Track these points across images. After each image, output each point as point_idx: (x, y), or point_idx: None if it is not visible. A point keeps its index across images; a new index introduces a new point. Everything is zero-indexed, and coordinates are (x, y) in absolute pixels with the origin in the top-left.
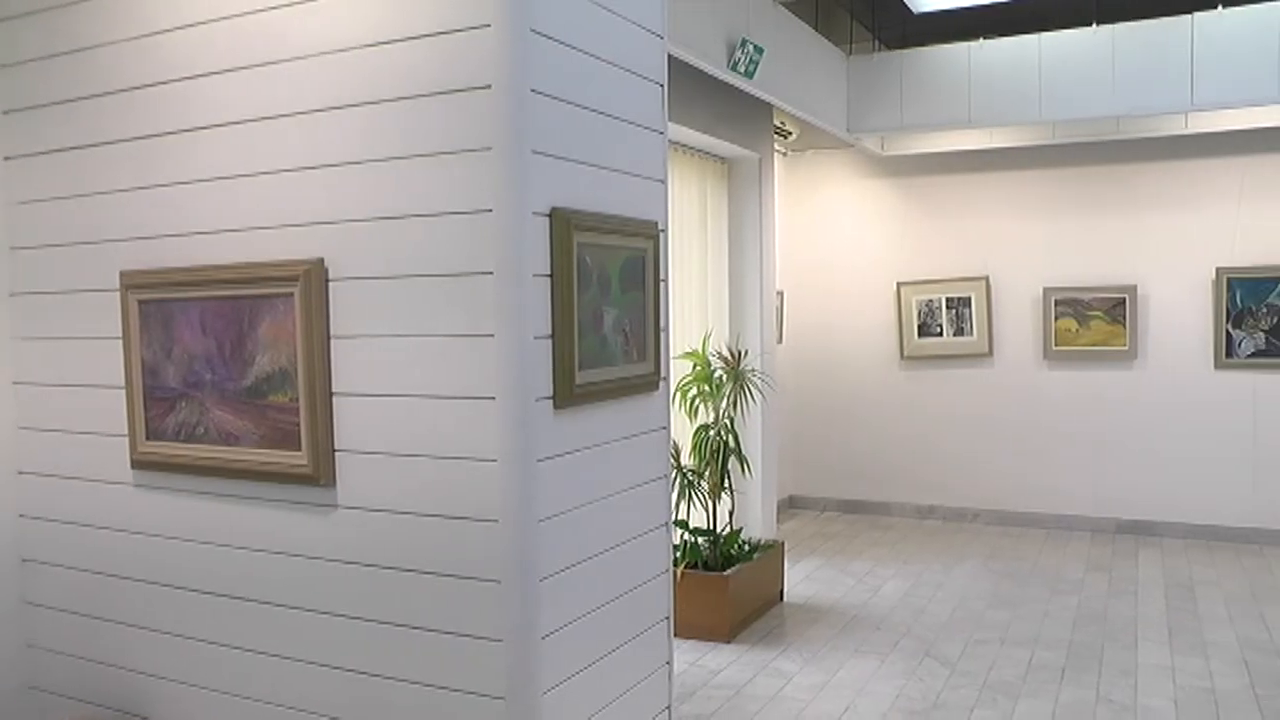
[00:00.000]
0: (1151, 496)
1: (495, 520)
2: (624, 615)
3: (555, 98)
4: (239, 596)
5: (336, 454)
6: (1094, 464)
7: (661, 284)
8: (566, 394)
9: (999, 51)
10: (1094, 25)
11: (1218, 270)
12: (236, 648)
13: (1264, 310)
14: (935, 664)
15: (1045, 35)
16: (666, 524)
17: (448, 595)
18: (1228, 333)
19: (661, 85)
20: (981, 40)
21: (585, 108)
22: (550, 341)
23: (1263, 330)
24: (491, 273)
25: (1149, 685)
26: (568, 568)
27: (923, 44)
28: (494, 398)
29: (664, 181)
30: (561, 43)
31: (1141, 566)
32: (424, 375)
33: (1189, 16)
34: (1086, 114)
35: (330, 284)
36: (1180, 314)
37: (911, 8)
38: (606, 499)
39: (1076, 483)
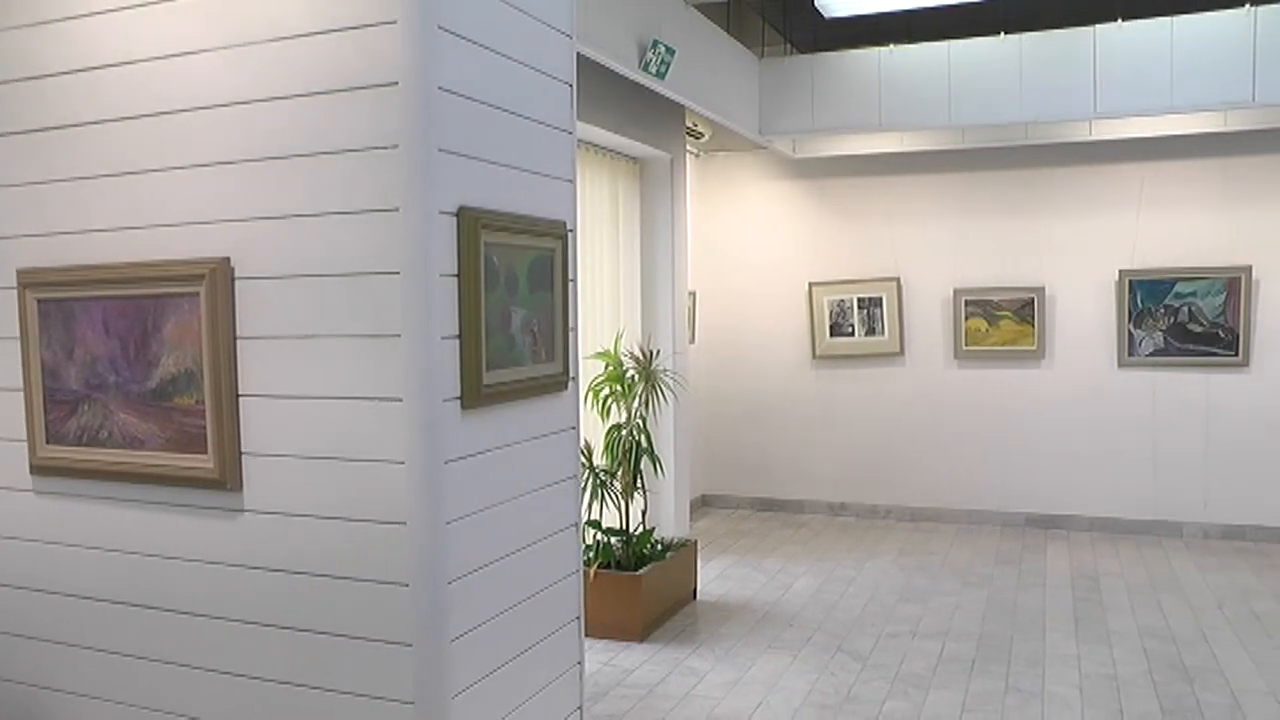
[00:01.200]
0: (1059, 491)
1: (403, 523)
2: (534, 616)
3: (463, 96)
4: (143, 605)
5: (243, 457)
6: (1003, 460)
7: (570, 284)
8: (474, 395)
9: (909, 57)
10: (1002, 35)
11: (1120, 272)
12: (142, 658)
13: (1162, 311)
14: (847, 658)
15: (954, 43)
16: (576, 524)
17: (356, 599)
18: (1129, 332)
19: (570, 85)
20: (892, 46)
21: (493, 106)
22: (458, 342)
23: (1161, 330)
24: (398, 272)
25: (1055, 674)
26: (477, 569)
27: (834, 49)
28: (401, 399)
29: (572, 181)
30: (469, 40)
31: (1049, 559)
32: (331, 376)
33: (1091, 28)
34: (995, 120)
35: (236, 283)
36: (1085, 314)
37: (823, 13)
38: (515, 500)
39: (986, 479)
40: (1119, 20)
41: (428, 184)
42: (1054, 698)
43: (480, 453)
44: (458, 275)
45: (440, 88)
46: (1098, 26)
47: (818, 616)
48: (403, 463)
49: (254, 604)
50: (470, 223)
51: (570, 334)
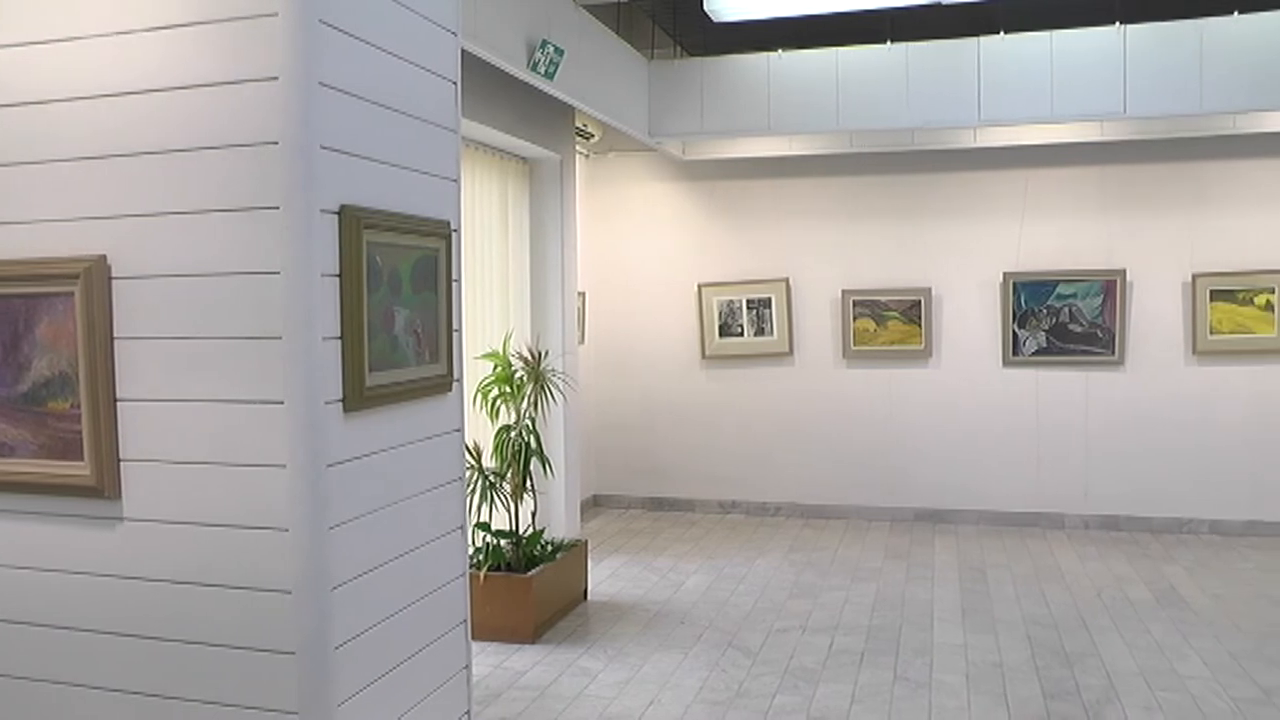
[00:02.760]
0: (946, 487)
1: (285, 529)
2: (420, 621)
3: (345, 92)
4: (17, 620)
5: (121, 464)
6: (891, 457)
7: (454, 284)
8: (357, 397)
9: (798, 63)
10: (889, 43)
11: (1004, 274)
12: (18, 677)
13: (1045, 311)
14: (738, 654)
15: (842, 50)
16: (462, 527)
17: (238, 608)
18: (1014, 332)
19: (455, 83)
20: (781, 51)
21: (377, 104)
22: (340, 343)
23: (1044, 330)
24: (279, 272)
25: (943, 663)
26: (361, 575)
27: (724, 53)
28: (282, 402)
29: (457, 181)
30: (351, 35)
31: (937, 553)
32: (211, 379)
33: (975, 40)
34: (881, 125)
35: (113, 282)
36: (971, 315)
37: (712, 17)
38: (400, 503)
39: (875, 475)
40: (1001, 33)
41: (309, 182)
42: (941, 686)
43: (363, 456)
44: (340, 275)
45: (322, 83)
46: (981, 38)
47: (709, 614)
48: (284, 467)
49: (132, 615)
50: (353, 222)
51: (455, 335)
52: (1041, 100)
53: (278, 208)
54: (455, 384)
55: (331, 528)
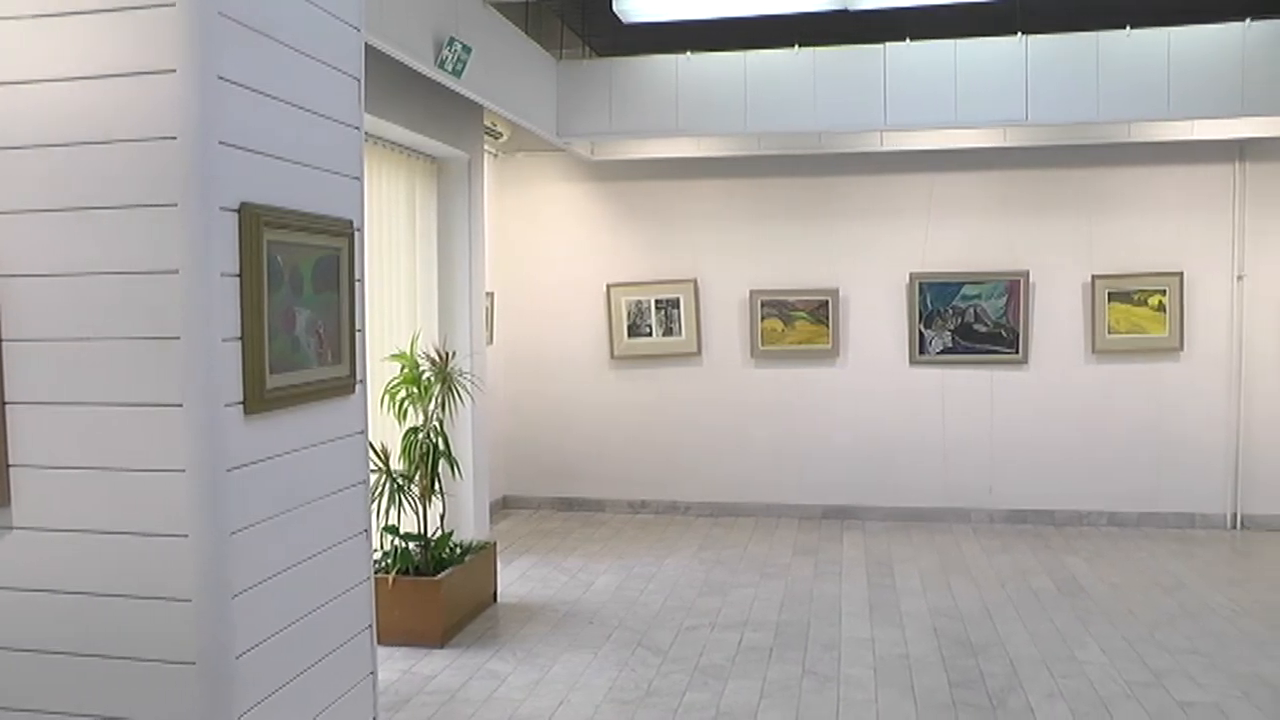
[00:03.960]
0: (854, 484)
1: (184, 535)
2: (324, 628)
3: (244, 86)
4: None
5: (11, 470)
6: (800, 455)
7: (357, 284)
8: (258, 399)
9: (706, 65)
10: (796, 47)
11: (911, 275)
12: None
13: (950, 312)
14: (647, 653)
15: (750, 53)
16: (366, 530)
17: (136, 619)
18: (920, 332)
19: (358, 80)
20: (689, 54)
21: (277, 99)
22: (239, 344)
23: (950, 330)
24: (176, 271)
25: (851, 656)
26: (263, 581)
27: (633, 53)
28: (180, 404)
29: (360, 179)
30: (251, 28)
31: (845, 549)
32: (106, 382)
33: (882, 46)
34: (789, 128)
35: (1, 280)
36: (878, 315)
37: (622, 18)
38: (303, 507)
39: (784, 473)
40: (908, 40)
41: (207, 178)
42: (849, 679)
43: (265, 459)
44: (239, 275)
45: (221, 77)
46: (888, 45)
47: (618, 613)
48: (183, 471)
49: (24, 628)
50: (253, 220)
51: (358, 335)
52: (946, 106)
53: (175, 205)
54: (359, 385)
55: (232, 533)
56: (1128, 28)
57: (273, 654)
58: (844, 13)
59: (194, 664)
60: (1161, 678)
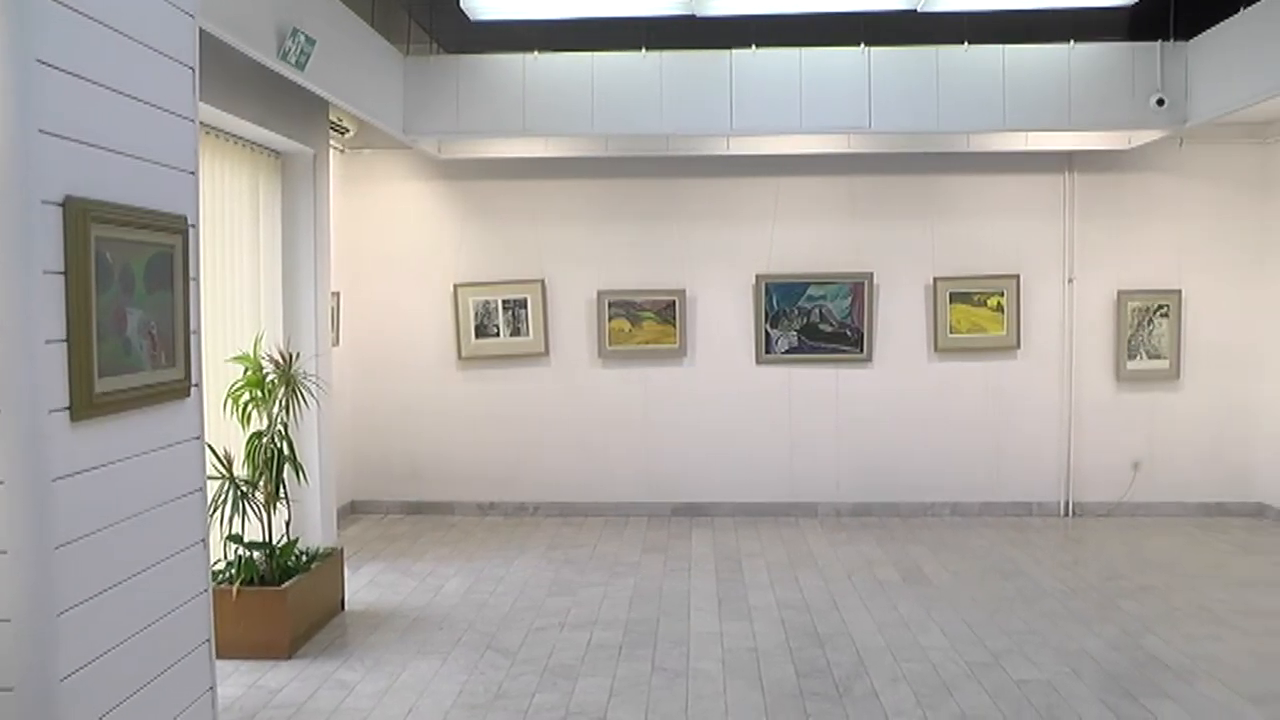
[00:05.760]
0: (703, 481)
1: (3, 551)
2: (159, 643)
3: (68, 72)
4: None
5: None
6: (648, 454)
7: (193, 283)
8: (85, 404)
9: (554, 65)
10: (643, 51)
11: (757, 276)
12: None
13: (796, 312)
14: (497, 656)
15: (598, 55)
16: (204, 540)
17: None
18: (766, 332)
19: (192, 69)
20: (536, 53)
21: (103, 86)
22: (65, 346)
23: (795, 330)
24: None
25: (699, 651)
26: (91, 598)
27: (481, 51)
28: None
29: (194, 173)
30: (74, 10)
31: (694, 545)
32: None
33: (729, 52)
34: (636, 130)
35: None
36: (725, 315)
37: (469, 14)
38: (135, 518)
39: (632, 471)
40: (754, 47)
41: (26, 169)
42: (698, 674)
43: (93, 468)
44: (64, 272)
45: (40, 60)
46: (734, 51)
47: (468, 616)
48: (2, 482)
49: None
50: (78, 214)
51: (193, 337)
52: (791, 112)
53: None
54: (195, 388)
55: (57, 547)
56: (965, 44)
57: (102, 674)
58: (691, 18)
59: (12, 690)
60: (1000, 658)
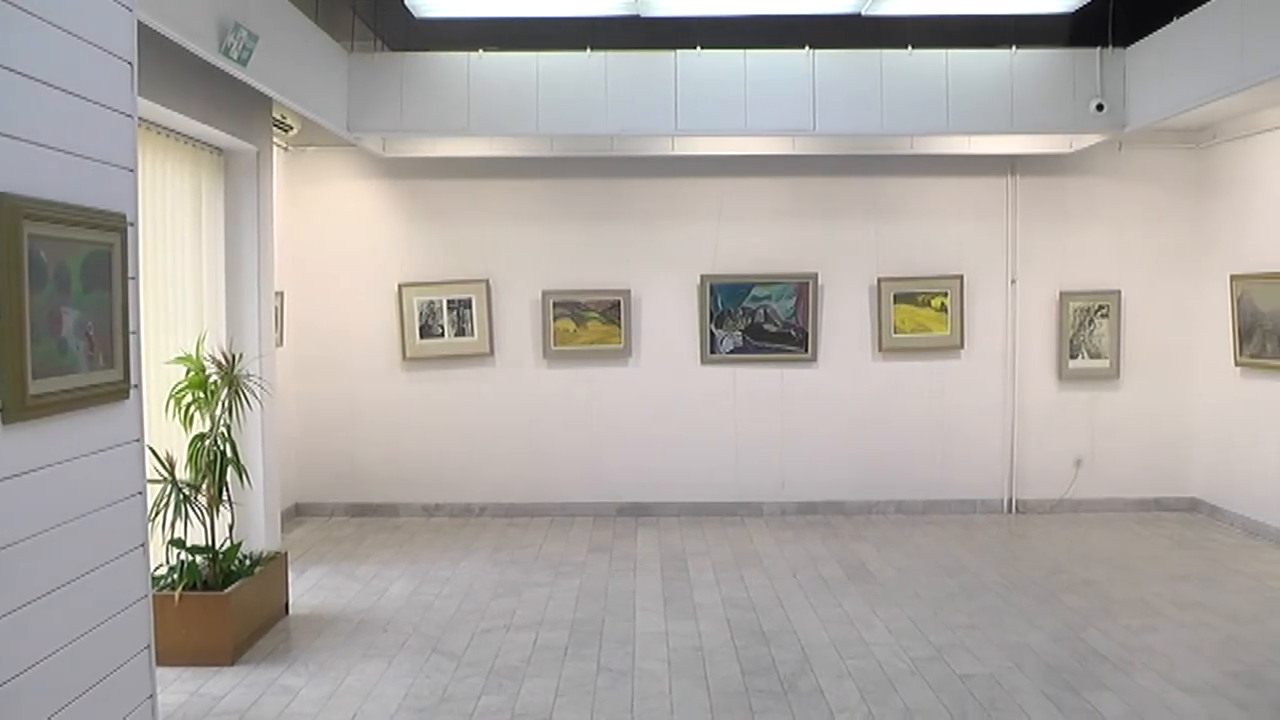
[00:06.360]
0: (648, 480)
1: None
2: (96, 651)
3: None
4: None
5: None
6: (594, 454)
7: (131, 282)
8: (19, 406)
9: (499, 64)
10: (589, 51)
11: (702, 277)
12: None
13: (741, 312)
14: (442, 658)
15: (543, 54)
16: (144, 545)
17: None
18: (711, 332)
19: (130, 63)
20: (481, 52)
21: (37, 79)
22: None
23: (740, 330)
24: None
25: (645, 650)
26: (25, 605)
27: (425, 49)
28: None
29: (133, 170)
30: (4, 1)
31: (640, 545)
32: None
33: (673, 53)
34: (581, 130)
35: None
36: (670, 315)
37: (413, 12)
38: (71, 523)
39: (578, 472)
40: (699, 48)
41: None
42: (644, 673)
43: (27, 472)
44: None
45: None
46: (679, 51)
47: (413, 619)
48: None
49: None
50: (11, 211)
51: (132, 337)
52: (736, 114)
53: None
54: (134, 390)
55: None
56: (910, 48)
57: (36, 684)
58: (636, 18)
59: None
60: (943, 653)
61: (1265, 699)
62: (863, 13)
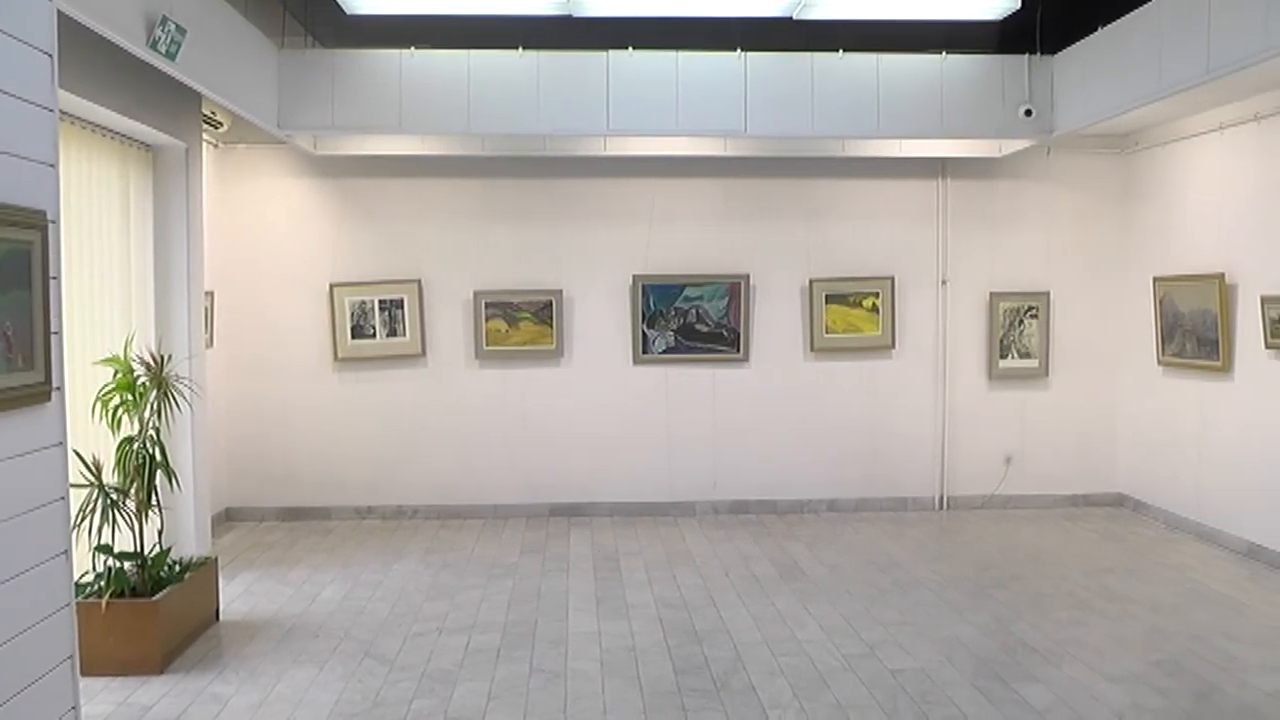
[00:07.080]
0: (580, 481)
1: None
2: (14, 662)
3: None
4: None
5: None
6: (526, 454)
7: (53, 281)
8: None
9: (431, 62)
10: (520, 50)
11: (634, 277)
12: None
13: (673, 313)
14: (374, 663)
15: (474, 53)
16: (66, 552)
17: None
18: (643, 332)
19: (50, 55)
20: (413, 50)
21: None
22: None
23: (672, 330)
24: None
25: (577, 651)
26: None
27: (357, 45)
28: None
29: (54, 165)
30: None
31: (572, 545)
32: None
33: (605, 53)
34: (512, 130)
35: None
36: (602, 316)
37: (345, 8)
38: None
39: (510, 473)
40: (630, 49)
41: None
42: (576, 674)
43: None
44: None
45: None
46: (611, 52)
47: (345, 624)
48: None
49: None
50: None
51: (54, 338)
52: (667, 114)
53: None
54: (56, 392)
55: None
56: (841, 51)
57: None
58: (569, 18)
59: None
60: (875, 649)
61: (1185, 687)
62: (794, 16)
